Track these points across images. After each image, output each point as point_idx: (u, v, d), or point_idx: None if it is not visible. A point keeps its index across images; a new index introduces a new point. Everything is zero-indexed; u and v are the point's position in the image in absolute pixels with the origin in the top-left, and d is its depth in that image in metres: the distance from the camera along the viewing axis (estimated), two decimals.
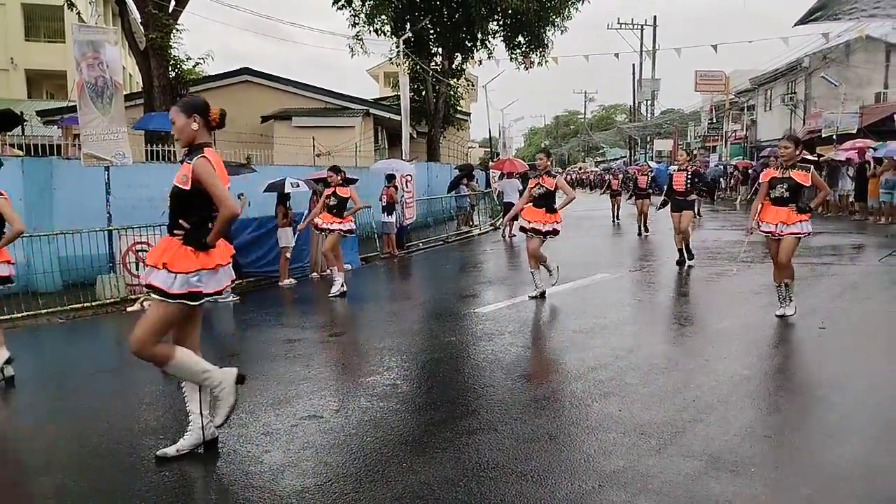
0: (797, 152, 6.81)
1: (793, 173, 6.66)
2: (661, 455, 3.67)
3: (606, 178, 36.15)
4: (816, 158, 21.84)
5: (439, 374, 5.59)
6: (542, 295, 8.39)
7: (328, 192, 9.40)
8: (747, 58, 56.02)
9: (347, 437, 4.09)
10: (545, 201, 8.30)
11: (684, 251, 10.62)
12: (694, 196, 10.91)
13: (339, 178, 9.33)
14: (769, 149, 30.19)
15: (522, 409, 4.49)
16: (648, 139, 52.91)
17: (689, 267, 10.46)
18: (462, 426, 4.20)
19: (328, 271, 11.50)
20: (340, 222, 9.36)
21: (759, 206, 6.88)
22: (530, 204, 8.41)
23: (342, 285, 9.27)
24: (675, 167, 11.15)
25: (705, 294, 8.77)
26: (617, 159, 63.59)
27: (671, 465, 3.53)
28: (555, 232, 8.34)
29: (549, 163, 8.53)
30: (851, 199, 20.10)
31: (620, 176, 23.19)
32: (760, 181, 7.08)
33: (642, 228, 16.07)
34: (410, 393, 5.09)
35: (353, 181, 10.38)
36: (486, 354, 5.99)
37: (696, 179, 10.79)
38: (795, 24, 9.98)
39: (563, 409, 4.46)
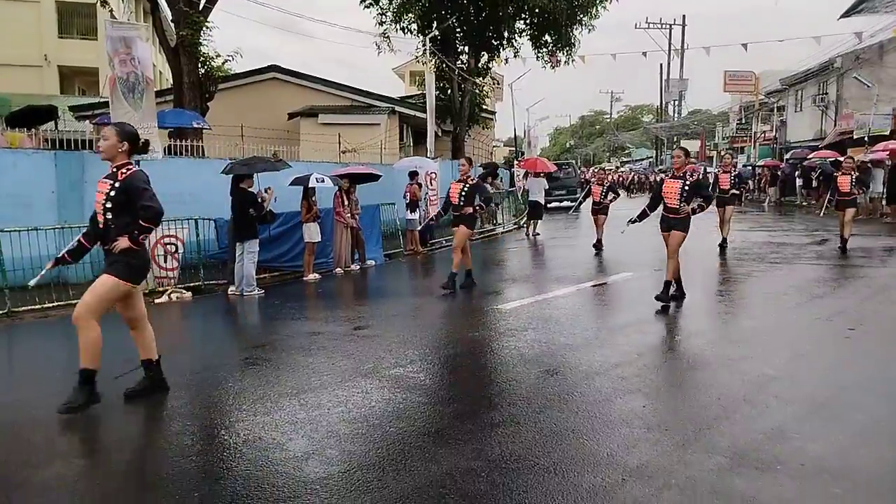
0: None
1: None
2: (685, 451, 3.64)
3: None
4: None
5: (462, 368, 5.60)
6: None
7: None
8: (778, 58, 55.41)
9: (371, 427, 4.12)
10: None
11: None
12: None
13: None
14: (798, 150, 29.77)
15: (545, 403, 4.49)
16: (675, 139, 52.40)
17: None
18: (485, 419, 4.21)
19: (352, 267, 11.60)
20: None
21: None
22: None
23: None
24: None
25: (731, 294, 8.67)
26: (643, 159, 63.13)
27: (695, 461, 3.51)
28: None
29: None
30: (883, 201, 19.73)
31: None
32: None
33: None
34: (433, 386, 5.11)
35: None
36: (510, 350, 5.99)
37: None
38: (840, 18, 9.94)
39: (586, 405, 4.45)
